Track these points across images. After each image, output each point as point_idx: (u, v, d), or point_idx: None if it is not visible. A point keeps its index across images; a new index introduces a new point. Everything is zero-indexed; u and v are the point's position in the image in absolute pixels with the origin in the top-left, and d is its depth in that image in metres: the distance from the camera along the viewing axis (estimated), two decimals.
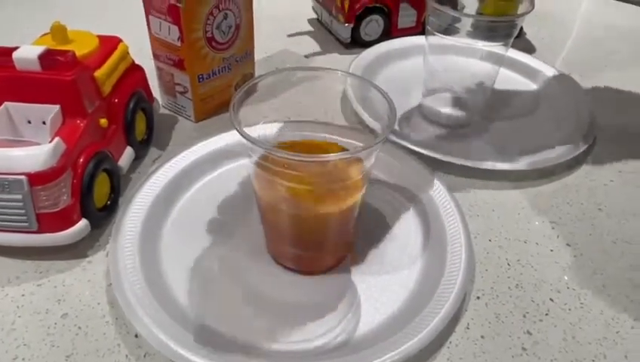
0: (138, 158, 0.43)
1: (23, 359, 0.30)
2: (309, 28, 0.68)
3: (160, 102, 0.49)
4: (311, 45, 0.64)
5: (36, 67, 0.34)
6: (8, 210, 0.33)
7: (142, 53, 0.47)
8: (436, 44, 0.46)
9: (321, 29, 0.68)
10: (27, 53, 0.34)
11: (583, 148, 0.46)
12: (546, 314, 0.33)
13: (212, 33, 0.45)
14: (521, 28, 0.67)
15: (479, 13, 0.50)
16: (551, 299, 0.34)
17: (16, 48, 0.35)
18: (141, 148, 0.44)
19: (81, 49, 0.38)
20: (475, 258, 0.36)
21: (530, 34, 0.68)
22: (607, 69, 0.62)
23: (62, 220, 0.34)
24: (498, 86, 0.49)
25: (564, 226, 0.40)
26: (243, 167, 0.42)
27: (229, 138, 0.43)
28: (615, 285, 0.35)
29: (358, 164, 0.29)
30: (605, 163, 0.47)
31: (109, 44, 0.41)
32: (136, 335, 0.31)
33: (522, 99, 0.55)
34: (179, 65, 0.46)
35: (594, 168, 0.46)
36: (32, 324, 0.31)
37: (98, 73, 0.38)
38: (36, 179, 0.32)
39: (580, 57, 0.65)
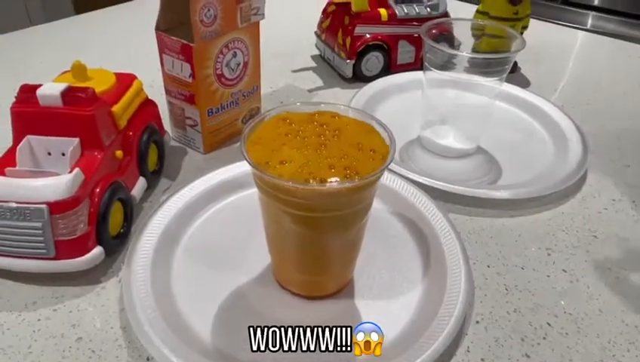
0: (150, 188, 0.45)
1: None
2: (313, 64, 0.71)
3: (170, 135, 0.51)
4: (314, 80, 0.67)
5: (58, 103, 0.37)
6: (28, 237, 0.34)
7: (153, 89, 0.50)
8: (434, 79, 0.48)
9: (323, 64, 0.71)
10: (51, 90, 0.37)
11: (577, 177, 0.47)
12: (544, 338, 0.34)
13: (221, 70, 0.48)
14: (516, 63, 0.70)
15: (474, 50, 0.53)
16: (548, 324, 0.35)
17: (39, 86, 0.37)
18: (153, 179, 0.46)
19: (100, 86, 0.40)
20: (474, 283, 0.38)
21: (525, 69, 0.71)
22: (600, 103, 0.64)
23: (78, 247, 0.35)
24: (494, 118, 0.50)
25: (560, 253, 0.41)
26: (250, 196, 0.43)
27: (236, 168, 0.45)
28: (610, 309, 0.37)
29: (360, 192, 0.30)
30: (599, 192, 0.48)
31: (125, 80, 0.43)
32: (148, 359, 0.32)
33: (518, 131, 0.57)
34: (189, 100, 0.48)
35: (588, 197, 0.47)
36: (48, 348, 0.33)
37: (115, 108, 0.40)
38: (56, 207, 0.34)
39: (573, 91, 0.68)
